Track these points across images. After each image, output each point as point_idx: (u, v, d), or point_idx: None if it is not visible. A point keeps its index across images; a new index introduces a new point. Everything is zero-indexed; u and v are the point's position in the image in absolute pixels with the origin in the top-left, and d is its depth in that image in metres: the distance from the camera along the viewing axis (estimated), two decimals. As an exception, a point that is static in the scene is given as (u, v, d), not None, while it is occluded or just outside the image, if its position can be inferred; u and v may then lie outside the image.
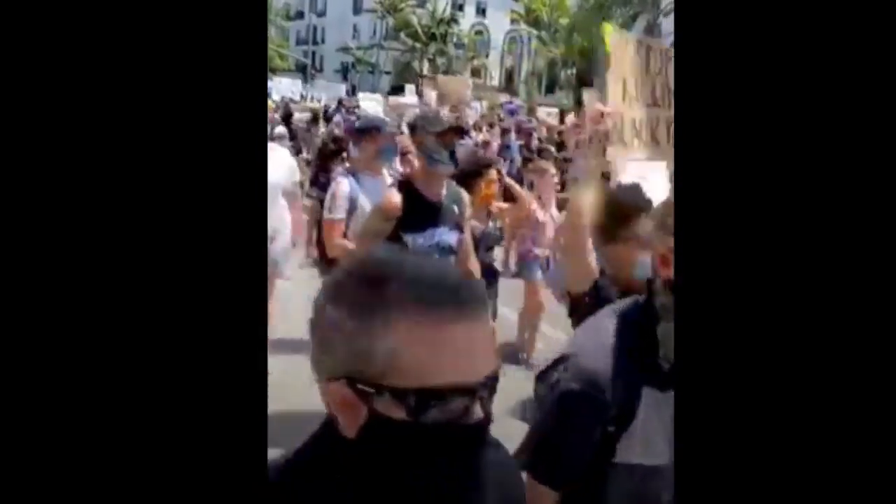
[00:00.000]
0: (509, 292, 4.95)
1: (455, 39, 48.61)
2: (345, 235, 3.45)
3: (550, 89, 44.62)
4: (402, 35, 47.21)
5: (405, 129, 5.94)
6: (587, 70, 41.25)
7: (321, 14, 58.40)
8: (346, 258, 0.83)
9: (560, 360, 1.31)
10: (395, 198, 2.77)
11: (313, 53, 55.65)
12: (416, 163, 3.80)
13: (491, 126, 12.60)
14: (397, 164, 4.88)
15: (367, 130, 3.63)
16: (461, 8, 51.43)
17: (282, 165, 3.89)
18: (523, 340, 5.10)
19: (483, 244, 3.74)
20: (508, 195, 4.54)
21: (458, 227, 2.95)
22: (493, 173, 3.59)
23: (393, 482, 0.75)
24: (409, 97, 13.97)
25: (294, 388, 3.98)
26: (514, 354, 4.99)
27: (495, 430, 0.84)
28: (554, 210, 4.91)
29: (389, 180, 3.49)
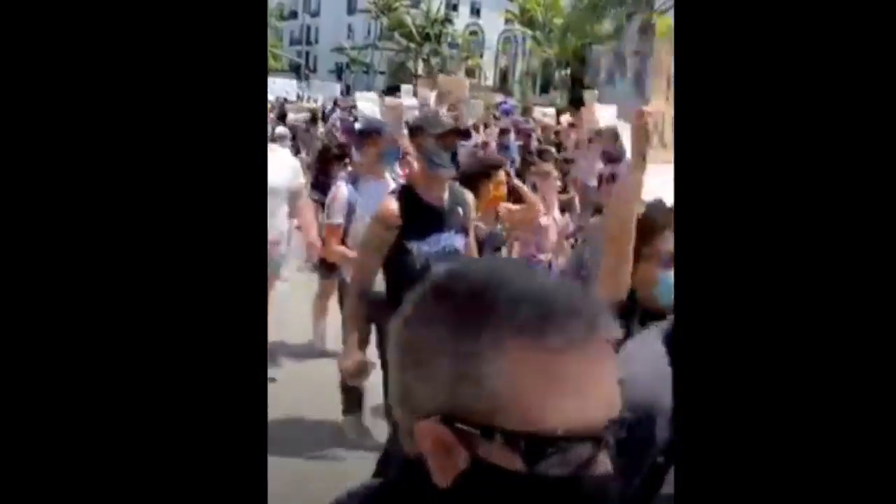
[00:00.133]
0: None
1: (449, 39, 48.58)
2: (344, 240, 3.37)
3: (545, 89, 44.63)
4: (397, 35, 47.14)
5: (404, 130, 5.86)
6: (581, 70, 41.32)
7: (315, 14, 58.32)
8: (445, 271, 0.68)
9: None
10: (392, 205, 2.66)
11: (307, 53, 55.54)
12: (416, 165, 3.73)
13: (486, 126, 12.54)
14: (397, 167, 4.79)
15: (368, 134, 3.54)
16: (455, 8, 51.40)
17: (284, 167, 3.79)
18: None
19: (489, 246, 3.65)
20: (514, 197, 4.44)
21: (464, 230, 2.85)
22: (501, 175, 3.47)
23: None
24: (406, 97, 13.90)
25: (293, 393, 3.95)
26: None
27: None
28: (557, 213, 4.82)
29: (392, 184, 3.39)
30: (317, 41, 57.65)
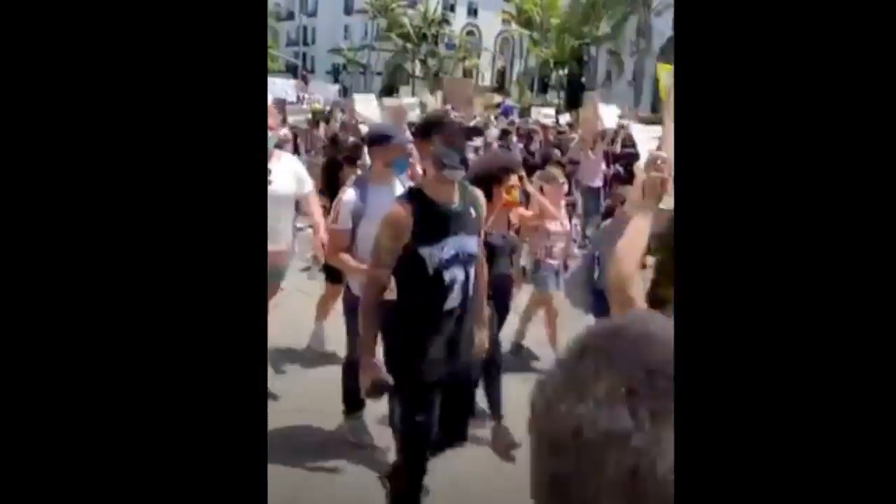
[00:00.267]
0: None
1: (446, 40, 48.52)
2: (350, 246, 3.29)
3: (542, 90, 44.59)
4: (394, 36, 47.07)
5: (407, 131, 5.77)
6: (578, 71, 41.30)
7: (312, 15, 58.21)
8: (588, 333, 0.59)
9: None
10: (402, 210, 2.54)
11: (304, 54, 55.43)
12: (419, 168, 3.63)
13: (486, 127, 12.48)
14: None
15: (377, 141, 3.43)
16: (452, 9, 51.36)
17: (290, 174, 3.70)
18: (522, 335, 4.98)
19: (503, 253, 3.54)
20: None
21: (477, 232, 2.76)
22: (514, 178, 3.36)
23: None
24: (406, 98, 13.85)
25: (293, 399, 3.89)
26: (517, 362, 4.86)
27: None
28: (565, 217, 4.75)
29: (400, 189, 3.29)
30: (313, 42, 57.55)
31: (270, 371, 4.19)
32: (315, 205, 3.95)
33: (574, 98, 35.84)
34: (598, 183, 9.28)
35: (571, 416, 0.52)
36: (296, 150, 9.97)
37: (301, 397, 4.03)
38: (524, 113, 19.99)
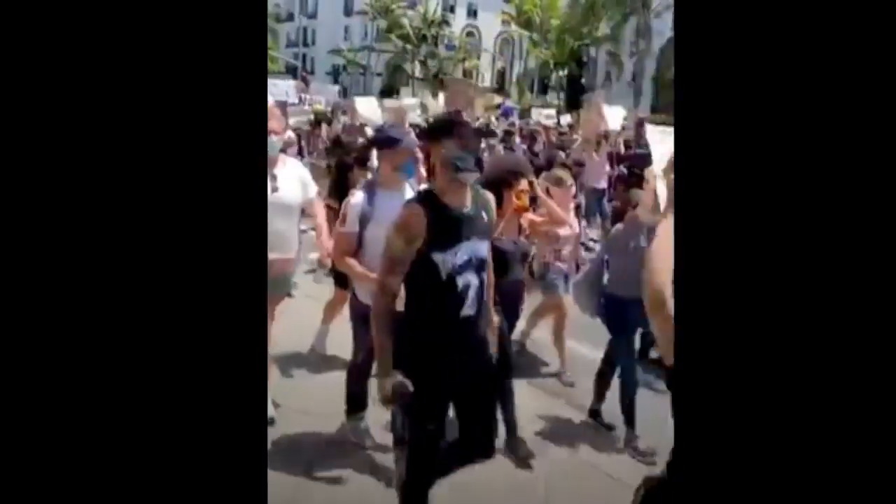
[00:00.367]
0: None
1: (446, 41, 48.48)
2: (357, 250, 3.24)
3: (542, 91, 44.57)
4: (393, 37, 47.03)
5: (411, 132, 5.71)
6: (578, 72, 41.28)
7: (311, 16, 58.20)
8: None
9: None
10: (414, 214, 2.45)
11: (304, 56, 55.40)
12: (423, 170, 3.57)
13: (487, 127, 12.45)
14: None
15: (386, 144, 3.37)
16: (452, 10, 51.36)
17: (296, 181, 3.64)
18: (527, 338, 4.92)
19: (515, 258, 3.49)
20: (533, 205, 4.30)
21: (488, 237, 2.69)
22: (524, 183, 3.30)
23: None
24: (406, 99, 13.83)
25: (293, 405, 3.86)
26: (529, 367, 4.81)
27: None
28: (574, 221, 4.70)
29: (409, 193, 3.24)
30: (313, 43, 57.53)
31: (277, 375, 4.16)
32: (318, 207, 3.90)
33: (574, 99, 35.84)
34: (603, 184, 9.24)
35: None
36: (300, 153, 9.92)
37: (305, 400, 4.00)
38: (524, 114, 19.96)
